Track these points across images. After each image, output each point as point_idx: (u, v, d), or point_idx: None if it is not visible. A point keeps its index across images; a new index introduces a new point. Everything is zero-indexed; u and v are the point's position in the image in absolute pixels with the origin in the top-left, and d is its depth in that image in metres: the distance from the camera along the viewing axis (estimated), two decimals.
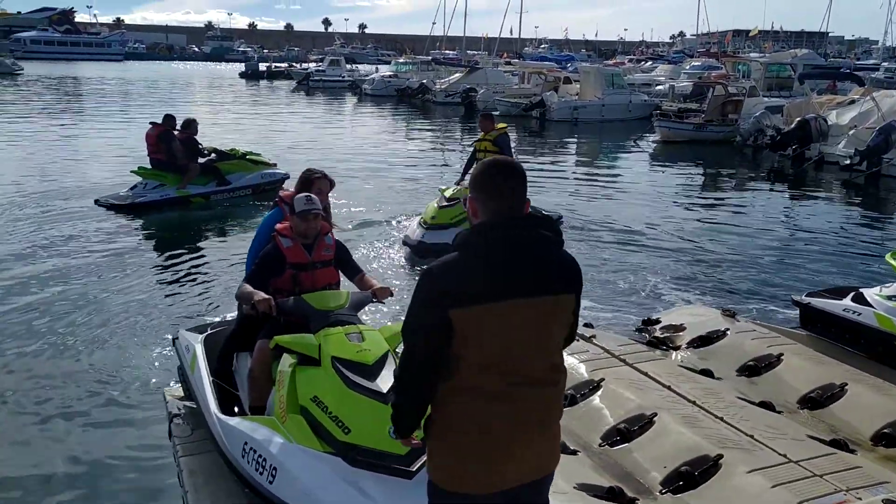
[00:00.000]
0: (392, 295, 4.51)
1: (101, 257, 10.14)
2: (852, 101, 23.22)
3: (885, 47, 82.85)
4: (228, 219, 12.78)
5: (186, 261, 10.21)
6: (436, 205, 10.37)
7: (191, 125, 13.26)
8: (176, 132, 13.00)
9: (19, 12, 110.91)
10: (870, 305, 6.29)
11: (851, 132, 20.56)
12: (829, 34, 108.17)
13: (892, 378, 5.64)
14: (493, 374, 2.44)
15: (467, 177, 10.47)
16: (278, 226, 4.55)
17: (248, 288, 4.26)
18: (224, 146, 14.44)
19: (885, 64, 59.21)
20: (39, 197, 13.82)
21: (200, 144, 13.43)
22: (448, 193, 10.45)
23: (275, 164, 14.77)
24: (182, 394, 5.33)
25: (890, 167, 18.72)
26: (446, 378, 2.48)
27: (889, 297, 6.26)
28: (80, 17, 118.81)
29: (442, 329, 2.39)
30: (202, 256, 10.52)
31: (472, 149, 11.01)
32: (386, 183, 16.30)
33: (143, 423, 5.74)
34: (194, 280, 9.33)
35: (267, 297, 4.25)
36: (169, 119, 13.01)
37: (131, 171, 13.31)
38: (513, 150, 10.83)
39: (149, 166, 13.08)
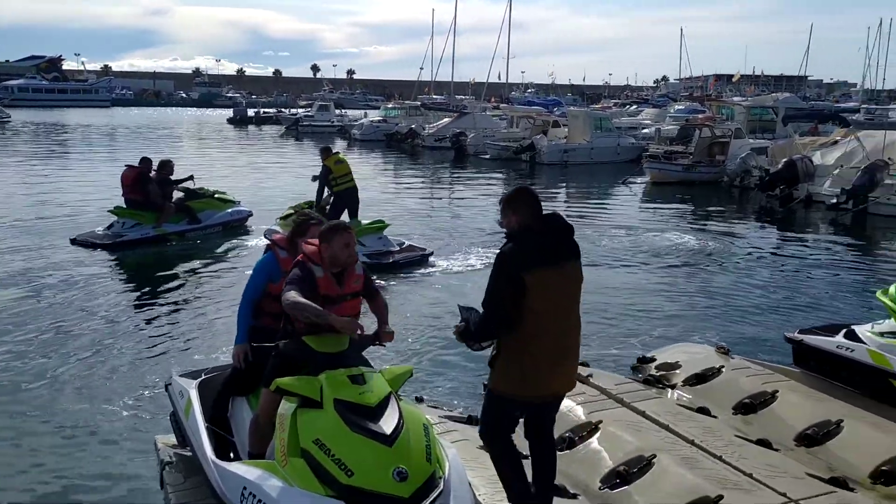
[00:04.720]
0: (392, 340, 4.35)
1: (80, 296, 10.13)
2: (835, 142, 23.51)
3: (865, 90, 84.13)
4: (201, 255, 13.01)
5: (167, 301, 10.27)
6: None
7: (166, 166, 13.69)
8: (152, 174, 13.34)
9: (7, 60, 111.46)
10: (862, 342, 6.28)
11: (837, 172, 20.85)
12: (809, 77, 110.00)
13: (887, 414, 5.62)
14: (549, 317, 3.81)
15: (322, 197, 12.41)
16: (308, 248, 4.16)
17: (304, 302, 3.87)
18: (196, 184, 14.73)
19: (864, 106, 59.98)
20: (16, 234, 13.96)
21: (174, 183, 13.86)
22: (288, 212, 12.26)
23: (238, 202, 15.26)
24: (174, 441, 5.26)
25: (876, 205, 19.00)
26: (520, 325, 3.77)
27: (881, 334, 6.26)
28: (67, 65, 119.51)
29: (517, 284, 3.72)
30: (181, 295, 10.59)
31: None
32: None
33: (133, 471, 5.66)
34: (177, 321, 9.35)
35: (242, 347, 4.55)
36: (145, 161, 13.43)
37: (108, 211, 13.63)
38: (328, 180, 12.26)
39: (124, 206, 13.36)
